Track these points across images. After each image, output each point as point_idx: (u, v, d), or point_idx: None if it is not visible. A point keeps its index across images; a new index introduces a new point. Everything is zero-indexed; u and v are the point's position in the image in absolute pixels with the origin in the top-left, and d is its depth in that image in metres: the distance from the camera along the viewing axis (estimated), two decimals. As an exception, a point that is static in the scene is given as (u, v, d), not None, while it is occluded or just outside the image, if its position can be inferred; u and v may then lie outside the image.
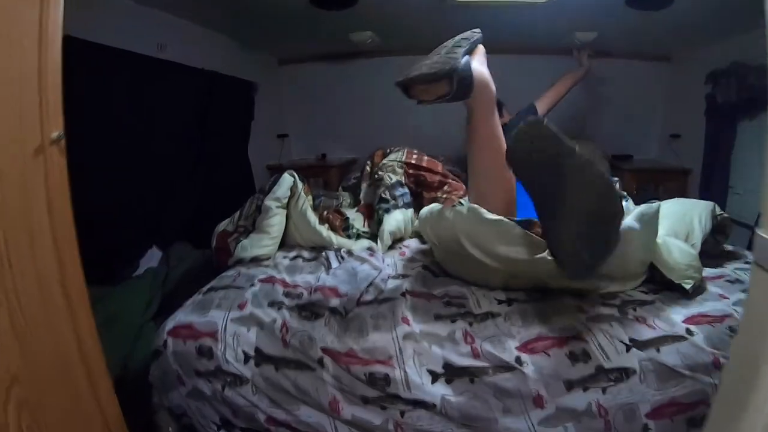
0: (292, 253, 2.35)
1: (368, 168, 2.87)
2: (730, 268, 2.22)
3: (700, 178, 4.15)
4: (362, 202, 2.79)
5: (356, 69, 4.80)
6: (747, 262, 2.27)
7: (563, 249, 1.62)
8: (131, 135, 2.71)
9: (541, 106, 3.90)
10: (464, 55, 1.76)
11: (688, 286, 1.84)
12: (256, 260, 2.26)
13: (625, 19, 3.28)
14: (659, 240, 1.96)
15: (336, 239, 2.31)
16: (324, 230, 2.30)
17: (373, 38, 3.75)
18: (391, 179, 2.59)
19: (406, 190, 2.61)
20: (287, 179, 2.33)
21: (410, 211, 2.53)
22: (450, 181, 2.69)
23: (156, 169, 2.93)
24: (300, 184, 2.35)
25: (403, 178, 2.66)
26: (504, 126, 3.09)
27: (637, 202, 3.98)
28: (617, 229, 1.55)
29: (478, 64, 1.84)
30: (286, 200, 2.32)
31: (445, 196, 2.63)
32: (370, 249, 2.29)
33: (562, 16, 3.46)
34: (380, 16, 3.34)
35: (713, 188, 3.98)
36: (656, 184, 4.56)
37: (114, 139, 2.57)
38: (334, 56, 4.66)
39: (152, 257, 2.90)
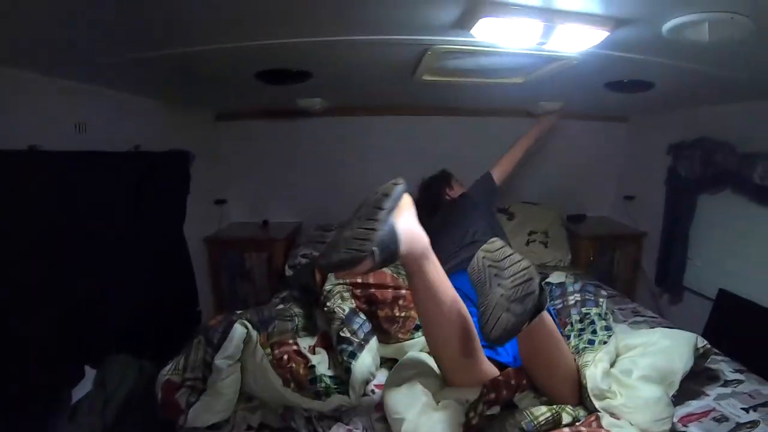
0: (255, 420, 2.05)
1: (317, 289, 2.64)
2: (712, 396, 2.16)
3: (659, 248, 4.11)
4: (318, 328, 2.54)
5: (302, 126, 4.33)
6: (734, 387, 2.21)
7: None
8: (49, 244, 2.26)
9: (498, 173, 3.75)
10: (387, 217, 1.62)
11: None
12: (213, 428, 2.00)
13: (596, 94, 3.18)
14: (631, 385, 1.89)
15: (305, 402, 2.04)
16: (290, 394, 2.03)
17: (322, 104, 3.53)
18: (344, 311, 2.33)
19: (362, 317, 2.36)
20: (239, 332, 1.99)
21: (373, 341, 2.30)
22: (403, 292, 2.48)
23: (81, 278, 2.46)
24: (254, 335, 2.06)
25: (352, 302, 2.43)
26: (460, 197, 3.45)
27: (592, 272, 3.99)
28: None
29: (405, 222, 1.70)
30: (239, 355, 2.04)
31: (403, 314, 2.42)
32: (338, 410, 2.07)
33: (534, 92, 3.37)
34: (335, 85, 3.13)
35: (672, 258, 3.97)
36: (612, 249, 4.50)
37: (25, 254, 2.12)
38: (279, 113, 4.23)
39: (86, 381, 2.45)
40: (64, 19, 1.55)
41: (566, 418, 1.77)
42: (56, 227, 2.28)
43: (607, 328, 2.29)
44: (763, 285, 3.25)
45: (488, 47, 2.08)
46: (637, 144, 4.65)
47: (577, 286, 2.83)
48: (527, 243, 4.21)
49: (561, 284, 2.99)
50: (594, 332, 2.26)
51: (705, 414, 2.02)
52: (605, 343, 2.13)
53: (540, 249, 4.19)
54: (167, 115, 3.51)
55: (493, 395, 1.78)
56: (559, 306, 2.62)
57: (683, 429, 1.90)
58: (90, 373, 2.48)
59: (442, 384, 1.98)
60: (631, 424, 1.75)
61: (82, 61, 2.13)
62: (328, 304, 2.38)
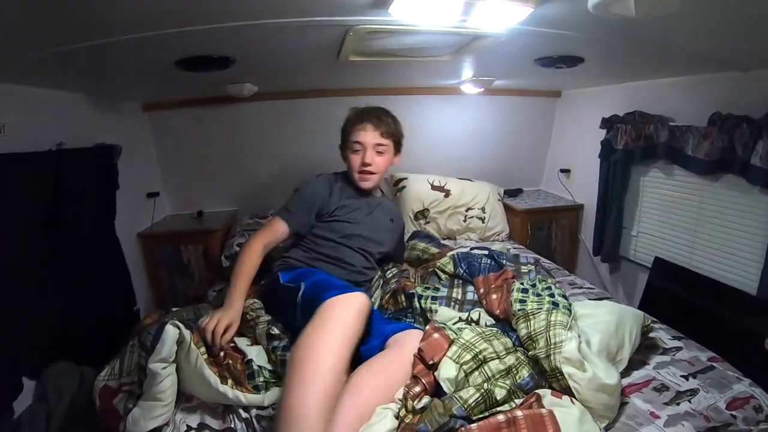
0: (194, 420, 1.97)
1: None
2: (652, 365, 2.20)
3: (595, 220, 4.17)
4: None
5: (233, 112, 4.16)
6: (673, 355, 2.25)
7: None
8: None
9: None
10: None
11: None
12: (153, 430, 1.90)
13: (528, 70, 3.17)
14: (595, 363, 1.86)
15: (245, 397, 1.97)
16: (229, 391, 1.94)
17: (251, 89, 3.41)
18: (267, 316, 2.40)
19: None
20: (171, 333, 1.88)
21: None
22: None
23: (4, 287, 2.29)
24: (187, 335, 1.95)
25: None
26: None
27: (531, 245, 4.02)
28: None
29: None
30: (173, 356, 1.95)
31: None
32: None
33: (464, 69, 3.36)
34: (261, 71, 3.04)
35: (608, 229, 4.04)
36: (549, 222, 4.55)
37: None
38: (208, 101, 4.05)
39: (26, 394, 2.32)
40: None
41: (499, 393, 1.74)
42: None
43: (565, 297, 2.32)
44: (696, 252, 3.37)
45: (408, 26, 2.04)
46: (571, 118, 4.71)
47: (531, 259, 3.01)
48: (464, 219, 4.23)
49: (516, 256, 3.07)
50: (552, 295, 2.30)
51: (646, 384, 2.05)
52: (568, 308, 2.17)
53: (478, 224, 4.23)
54: (92, 110, 3.30)
55: (417, 388, 1.80)
56: (512, 268, 2.87)
57: (625, 400, 1.91)
58: (29, 385, 2.36)
59: None
60: (573, 403, 1.75)
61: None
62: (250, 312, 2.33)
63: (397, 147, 2.93)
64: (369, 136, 2.74)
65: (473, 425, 1.58)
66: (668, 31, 2.09)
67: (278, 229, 2.62)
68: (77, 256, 2.84)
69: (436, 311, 2.46)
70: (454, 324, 2.27)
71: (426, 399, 1.77)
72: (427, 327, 2.10)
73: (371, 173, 2.79)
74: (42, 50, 1.95)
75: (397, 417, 1.72)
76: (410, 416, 1.73)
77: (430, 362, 1.88)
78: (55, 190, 2.66)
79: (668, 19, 1.58)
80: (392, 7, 1.68)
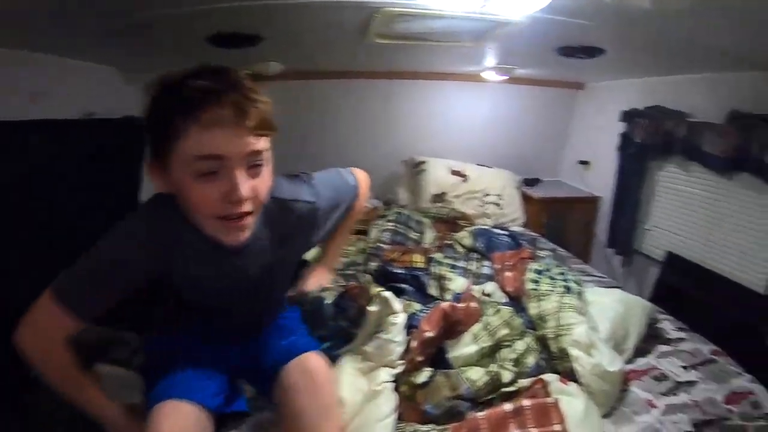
0: None
1: None
2: (654, 353, 2.23)
3: (611, 212, 4.21)
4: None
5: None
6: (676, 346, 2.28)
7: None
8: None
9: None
10: None
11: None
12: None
13: (549, 60, 3.20)
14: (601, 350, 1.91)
15: None
16: None
17: (276, 67, 3.45)
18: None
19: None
20: None
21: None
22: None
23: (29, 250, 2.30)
24: None
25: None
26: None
27: (546, 234, 4.05)
28: None
29: None
30: None
31: None
32: None
33: (487, 56, 3.39)
34: (287, 50, 3.09)
35: (622, 222, 4.07)
36: (565, 213, 4.58)
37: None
38: None
39: None
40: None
41: (506, 376, 1.79)
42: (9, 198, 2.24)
43: (578, 283, 2.41)
44: (709, 248, 3.38)
45: (433, 10, 2.09)
46: (592, 110, 4.70)
47: (549, 245, 2.99)
48: (481, 204, 4.27)
49: (534, 239, 3.11)
50: (565, 280, 2.39)
51: (645, 372, 2.08)
52: (580, 294, 2.26)
53: (494, 210, 4.26)
54: (120, 83, 3.37)
55: (420, 357, 1.82)
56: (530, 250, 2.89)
57: (624, 388, 1.94)
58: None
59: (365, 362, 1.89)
60: (581, 392, 1.79)
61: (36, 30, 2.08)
62: None
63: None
64: (234, 141, 1.19)
65: (480, 414, 1.63)
66: (687, 26, 2.11)
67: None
68: (100, 224, 2.88)
69: (451, 279, 2.52)
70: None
71: (427, 372, 1.82)
72: (464, 292, 2.18)
73: (248, 215, 1.29)
74: (79, 26, 2.02)
75: (396, 389, 1.75)
76: (409, 390, 1.76)
77: (460, 328, 1.94)
78: (88, 158, 2.73)
79: (686, 13, 1.61)
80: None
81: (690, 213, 3.54)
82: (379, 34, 2.59)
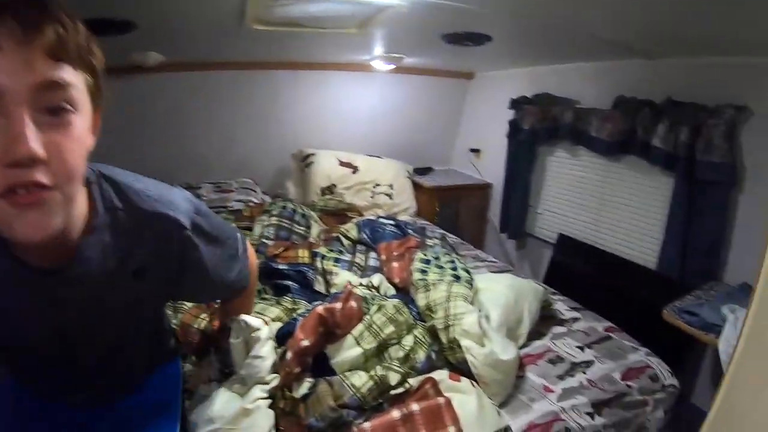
0: None
1: None
2: (549, 336, 2.23)
3: (502, 198, 4.26)
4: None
5: (137, 85, 3.58)
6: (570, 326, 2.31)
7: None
8: None
9: None
10: None
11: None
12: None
13: (437, 48, 3.15)
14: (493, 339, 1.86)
15: None
16: None
17: (157, 58, 3.24)
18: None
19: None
20: None
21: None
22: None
23: None
24: None
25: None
26: None
27: (439, 223, 4.04)
28: None
29: None
30: None
31: None
32: None
33: (371, 44, 3.29)
34: (166, 37, 2.89)
35: (514, 207, 4.13)
36: (458, 200, 4.59)
37: None
38: (111, 71, 3.73)
39: None
40: None
41: (393, 378, 1.68)
42: None
43: (468, 271, 2.34)
44: (599, 229, 3.46)
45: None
46: (482, 99, 4.74)
47: (438, 233, 3.15)
48: (372, 195, 4.20)
49: (423, 228, 3.06)
50: (454, 268, 2.33)
51: (541, 356, 2.06)
52: (470, 282, 2.19)
53: (385, 201, 4.21)
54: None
55: (296, 369, 1.65)
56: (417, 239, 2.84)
57: (520, 374, 1.91)
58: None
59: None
60: (473, 386, 1.73)
61: None
62: None
63: (97, 92, 0.84)
64: (13, 66, 0.69)
65: (366, 424, 1.51)
66: (574, 15, 2.13)
67: None
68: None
69: (337, 274, 2.41)
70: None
71: (307, 383, 1.66)
72: (344, 289, 2.04)
73: (45, 189, 0.74)
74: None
75: (271, 407, 1.57)
76: (287, 404, 1.60)
77: (339, 332, 1.80)
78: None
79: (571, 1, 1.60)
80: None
81: (579, 195, 3.61)
82: (258, 19, 2.45)
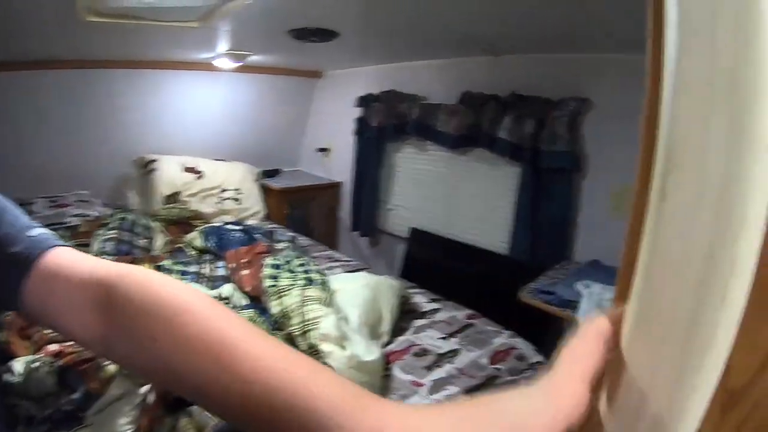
0: None
1: None
2: (411, 330, 2.22)
3: (352, 195, 4.28)
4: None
5: None
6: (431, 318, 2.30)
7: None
8: None
9: None
10: None
11: None
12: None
13: (284, 44, 3.08)
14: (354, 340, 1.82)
15: None
16: None
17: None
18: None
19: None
20: None
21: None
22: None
23: None
24: None
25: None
26: None
27: (289, 225, 3.98)
28: None
29: None
30: None
31: None
32: None
33: (215, 40, 3.15)
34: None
35: (365, 205, 4.14)
36: (308, 201, 4.54)
37: None
38: None
39: None
40: None
41: None
42: None
43: (321, 273, 2.29)
44: (451, 220, 3.54)
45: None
46: (330, 98, 4.72)
47: (288, 236, 3.08)
48: (219, 201, 4.05)
49: (271, 232, 2.97)
50: (307, 272, 2.25)
51: (405, 351, 2.04)
52: (323, 284, 2.13)
53: (233, 206, 4.06)
54: None
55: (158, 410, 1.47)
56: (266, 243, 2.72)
57: (386, 374, 1.87)
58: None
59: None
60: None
61: None
62: None
63: None
64: None
65: None
66: (421, 13, 2.16)
67: None
68: None
69: None
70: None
71: (169, 423, 1.47)
72: None
73: None
74: None
75: None
76: None
77: None
78: None
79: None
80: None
81: (429, 189, 3.69)
82: (90, 10, 2.25)
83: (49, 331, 1.64)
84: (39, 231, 0.66)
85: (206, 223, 3.46)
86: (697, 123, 0.30)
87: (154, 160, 3.98)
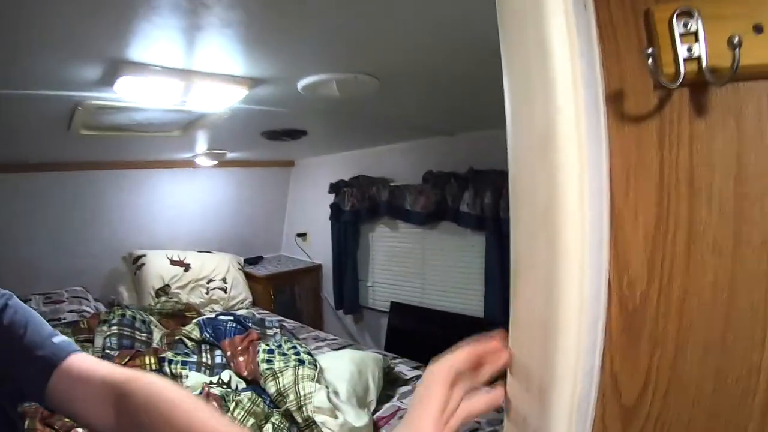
0: None
1: None
2: (396, 396, 2.43)
3: (333, 276, 4.45)
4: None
5: None
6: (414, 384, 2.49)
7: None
8: None
9: None
10: None
11: None
12: None
13: (257, 143, 3.35)
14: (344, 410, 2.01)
15: None
16: None
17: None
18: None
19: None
20: None
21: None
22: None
23: None
24: None
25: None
26: None
27: (276, 309, 4.13)
28: None
29: None
30: None
31: None
32: None
33: (195, 143, 3.42)
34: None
35: (345, 284, 4.33)
36: (292, 284, 4.71)
37: None
38: None
39: None
40: None
41: None
42: None
43: (310, 354, 2.47)
44: (427, 291, 3.78)
45: (134, 104, 2.08)
46: (304, 185, 4.99)
47: (276, 322, 3.18)
48: (207, 291, 4.21)
49: (261, 320, 3.13)
50: (297, 353, 2.45)
51: (392, 415, 2.24)
52: (314, 364, 2.31)
53: (221, 295, 4.23)
54: None
55: None
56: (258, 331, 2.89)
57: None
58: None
59: None
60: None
61: None
62: None
63: None
64: None
65: None
66: (375, 107, 2.42)
67: None
68: None
69: (187, 376, 2.44)
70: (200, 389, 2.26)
71: None
72: (203, 391, 2.10)
73: None
74: None
75: None
76: None
77: None
78: None
79: (371, 98, 1.85)
80: (117, 86, 1.72)
81: (404, 264, 3.94)
82: (85, 125, 2.46)
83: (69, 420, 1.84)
84: (60, 339, 0.89)
85: (198, 314, 3.61)
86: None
87: (142, 255, 4.13)
